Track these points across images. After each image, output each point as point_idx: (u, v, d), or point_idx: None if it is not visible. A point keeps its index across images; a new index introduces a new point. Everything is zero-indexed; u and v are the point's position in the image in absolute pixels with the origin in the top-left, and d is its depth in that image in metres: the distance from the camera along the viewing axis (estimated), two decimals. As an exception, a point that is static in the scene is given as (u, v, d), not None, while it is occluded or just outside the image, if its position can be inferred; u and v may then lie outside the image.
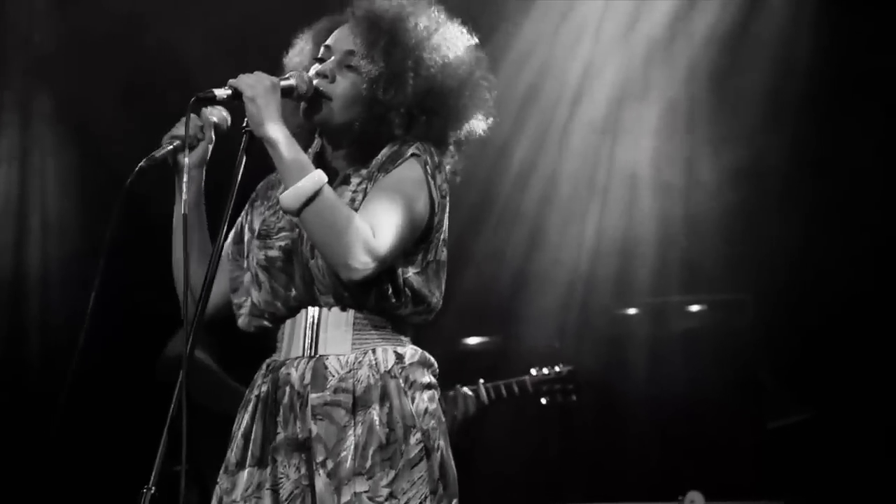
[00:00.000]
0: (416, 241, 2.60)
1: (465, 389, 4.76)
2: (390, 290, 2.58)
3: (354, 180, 2.65)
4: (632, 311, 5.70)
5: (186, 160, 2.53)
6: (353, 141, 2.67)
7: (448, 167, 2.70)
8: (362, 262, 2.47)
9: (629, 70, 5.48)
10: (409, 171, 2.59)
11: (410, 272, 2.60)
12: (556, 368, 4.91)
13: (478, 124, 2.73)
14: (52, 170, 5.51)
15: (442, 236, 2.67)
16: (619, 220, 5.55)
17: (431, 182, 2.61)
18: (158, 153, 2.55)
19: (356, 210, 2.55)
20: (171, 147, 2.56)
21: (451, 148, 2.71)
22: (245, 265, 2.72)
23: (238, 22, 5.09)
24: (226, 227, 2.49)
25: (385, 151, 2.64)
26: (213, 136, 2.65)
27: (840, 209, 5.18)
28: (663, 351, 5.50)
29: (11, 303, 5.46)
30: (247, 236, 2.75)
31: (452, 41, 2.70)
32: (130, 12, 5.10)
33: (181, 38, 5.09)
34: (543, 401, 4.91)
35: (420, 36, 2.66)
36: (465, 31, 2.75)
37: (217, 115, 2.64)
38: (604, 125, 5.51)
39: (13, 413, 5.28)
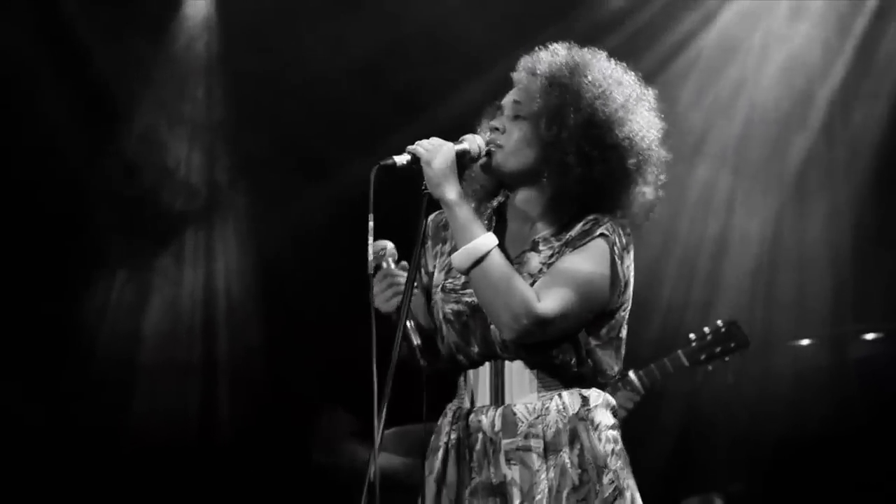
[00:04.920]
0: (598, 316, 2.66)
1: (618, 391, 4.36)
2: (573, 360, 2.66)
3: (544, 249, 2.72)
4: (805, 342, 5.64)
5: (371, 224, 2.62)
6: (542, 194, 2.73)
7: (649, 208, 2.74)
8: (521, 325, 2.57)
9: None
10: (595, 250, 2.64)
11: (593, 343, 2.68)
12: (717, 324, 4.50)
13: (657, 150, 2.74)
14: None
15: (625, 315, 2.72)
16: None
17: (618, 262, 2.66)
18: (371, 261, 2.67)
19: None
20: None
21: (639, 181, 2.71)
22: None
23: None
24: (413, 287, 2.62)
25: (578, 227, 2.68)
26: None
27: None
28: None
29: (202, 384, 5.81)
30: (425, 279, 2.85)
31: (609, 74, 2.73)
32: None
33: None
34: (710, 367, 4.49)
35: (577, 72, 2.71)
36: (625, 68, 2.78)
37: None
38: None
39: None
